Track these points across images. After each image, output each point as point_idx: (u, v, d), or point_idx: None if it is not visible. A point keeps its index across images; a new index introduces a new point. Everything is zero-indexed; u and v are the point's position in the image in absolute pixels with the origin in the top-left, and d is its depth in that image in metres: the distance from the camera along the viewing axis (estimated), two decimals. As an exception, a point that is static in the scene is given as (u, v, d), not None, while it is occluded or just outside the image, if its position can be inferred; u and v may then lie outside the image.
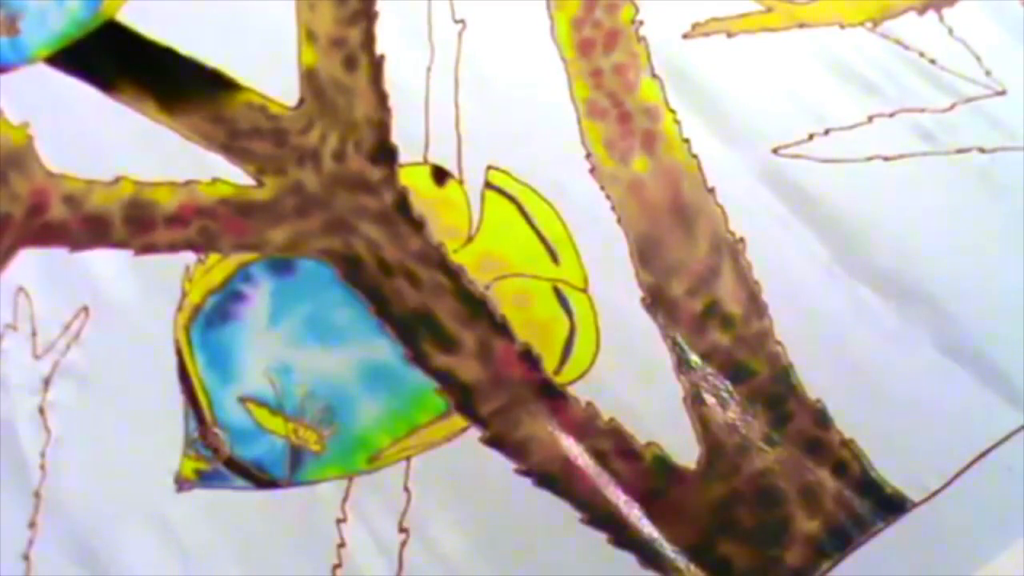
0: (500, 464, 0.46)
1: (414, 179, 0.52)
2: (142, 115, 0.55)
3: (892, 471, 0.44)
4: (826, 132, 0.50)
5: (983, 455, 0.43)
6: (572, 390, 0.47)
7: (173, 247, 0.52)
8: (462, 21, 0.55)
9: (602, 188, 0.51)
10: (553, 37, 0.54)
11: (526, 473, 0.46)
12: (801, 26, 0.53)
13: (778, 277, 0.48)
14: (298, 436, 0.48)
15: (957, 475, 0.43)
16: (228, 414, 0.48)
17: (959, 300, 0.46)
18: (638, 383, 0.47)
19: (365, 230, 0.51)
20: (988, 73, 0.51)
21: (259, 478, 0.48)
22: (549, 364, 0.47)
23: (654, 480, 0.45)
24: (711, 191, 0.50)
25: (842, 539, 0.43)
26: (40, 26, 0.58)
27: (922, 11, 0.53)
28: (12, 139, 0.55)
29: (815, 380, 0.46)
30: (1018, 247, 0.47)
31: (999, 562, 0.41)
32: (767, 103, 0.51)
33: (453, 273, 0.49)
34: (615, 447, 0.45)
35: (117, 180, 0.53)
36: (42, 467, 0.49)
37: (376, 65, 0.54)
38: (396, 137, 0.53)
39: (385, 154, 0.52)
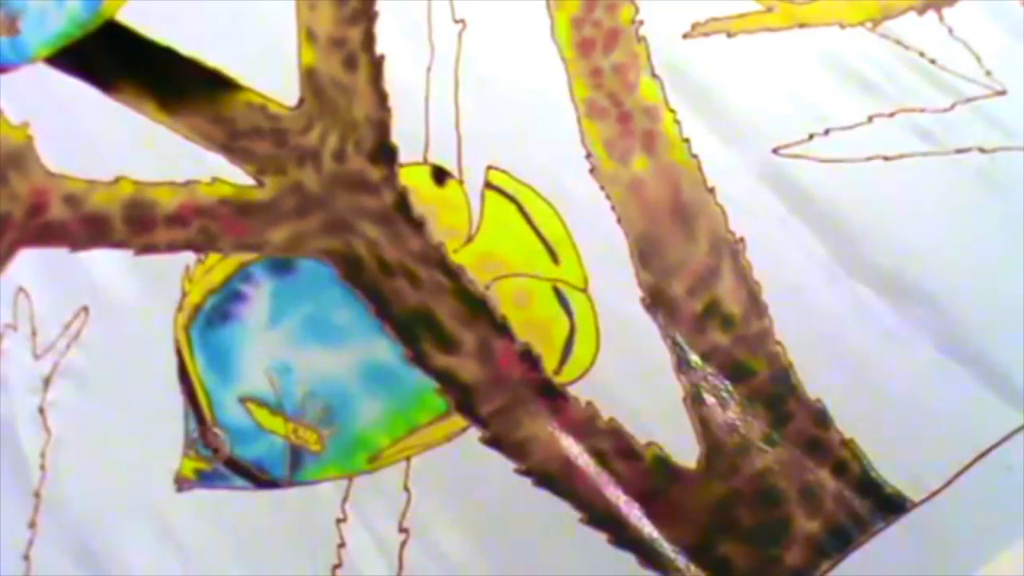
0: (500, 464, 0.46)
1: (414, 179, 0.52)
2: (142, 115, 0.55)
3: (892, 471, 0.44)
4: (826, 132, 0.50)
5: (983, 455, 0.43)
6: (572, 390, 0.47)
7: (173, 247, 0.52)
8: (462, 21, 0.55)
9: (602, 188, 0.51)
10: (553, 37, 0.54)
11: (526, 473, 0.46)
12: (801, 26, 0.53)
13: (778, 277, 0.48)
14: (298, 436, 0.48)
15: (957, 475, 0.43)
16: (228, 414, 0.48)
17: (959, 300, 0.46)
18: (638, 383, 0.47)
19: (365, 230, 0.51)
20: (988, 73, 0.51)
21: (259, 478, 0.48)
22: (549, 364, 0.47)
23: (654, 480, 0.45)
24: (711, 191, 0.50)
25: (842, 539, 0.43)
26: (40, 26, 0.57)
27: (922, 11, 0.53)
28: (12, 139, 0.55)
29: (815, 380, 0.46)
30: (1018, 247, 0.47)
31: (999, 562, 0.41)
32: (767, 103, 0.51)
33: (453, 273, 0.49)
34: (615, 447, 0.45)
35: (117, 180, 0.53)
36: (42, 467, 0.49)
37: (376, 65, 0.54)
38: (396, 137, 0.53)
39: (385, 154, 0.52)
